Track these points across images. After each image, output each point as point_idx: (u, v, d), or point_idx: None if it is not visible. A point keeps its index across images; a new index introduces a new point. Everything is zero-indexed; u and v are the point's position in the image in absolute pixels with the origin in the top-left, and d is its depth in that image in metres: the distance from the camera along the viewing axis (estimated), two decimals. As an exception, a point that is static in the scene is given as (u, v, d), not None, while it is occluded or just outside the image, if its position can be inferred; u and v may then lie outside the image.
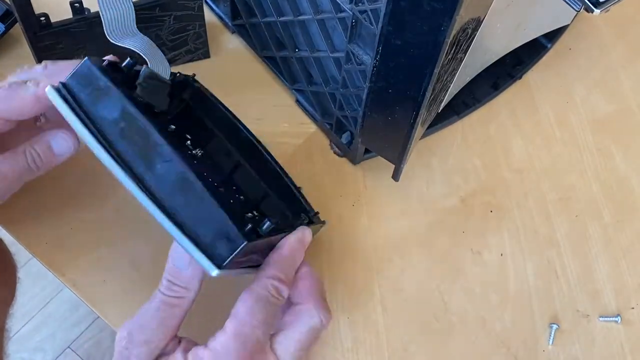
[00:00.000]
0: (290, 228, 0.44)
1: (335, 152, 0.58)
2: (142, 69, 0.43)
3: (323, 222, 0.51)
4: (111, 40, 0.49)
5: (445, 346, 0.50)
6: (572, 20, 0.63)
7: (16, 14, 0.49)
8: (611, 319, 0.52)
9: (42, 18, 0.51)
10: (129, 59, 0.43)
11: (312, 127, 0.59)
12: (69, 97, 0.40)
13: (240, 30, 0.61)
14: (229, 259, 0.37)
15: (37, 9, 0.50)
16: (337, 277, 0.52)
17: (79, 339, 1.21)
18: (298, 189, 0.50)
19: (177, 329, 0.41)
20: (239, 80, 0.60)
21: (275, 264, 0.42)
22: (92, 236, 0.52)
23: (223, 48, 0.62)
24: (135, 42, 0.50)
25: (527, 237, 0.55)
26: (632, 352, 0.51)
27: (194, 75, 0.49)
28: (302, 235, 0.44)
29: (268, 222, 0.40)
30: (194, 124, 0.49)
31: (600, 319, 0.52)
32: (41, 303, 1.22)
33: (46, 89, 0.40)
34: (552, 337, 0.51)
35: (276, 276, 0.42)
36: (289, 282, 0.42)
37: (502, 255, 0.54)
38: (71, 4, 0.51)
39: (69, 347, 1.20)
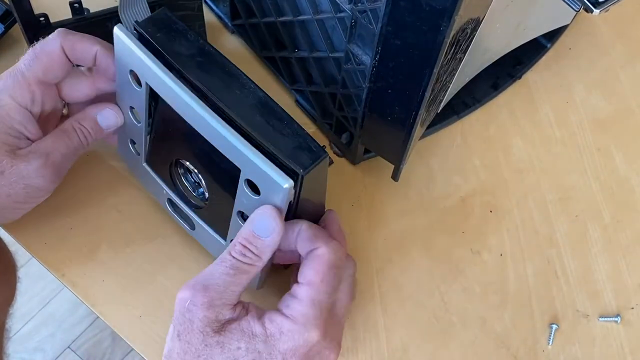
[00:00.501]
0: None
1: (335, 152, 0.58)
2: None
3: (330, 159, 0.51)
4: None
5: (445, 346, 0.50)
6: (572, 20, 0.63)
7: (16, 15, 0.49)
8: (611, 319, 0.52)
9: (42, 18, 0.51)
10: None
11: (312, 127, 0.59)
12: (143, 33, 0.43)
13: (240, 30, 0.61)
14: (312, 165, 0.39)
15: (37, 9, 0.50)
16: (337, 277, 0.52)
17: (78, 339, 1.21)
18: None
19: (239, 297, 0.41)
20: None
21: (322, 231, 0.43)
22: (92, 236, 0.52)
23: (222, 48, 0.62)
24: None
25: (527, 237, 0.55)
26: (632, 352, 0.51)
27: None
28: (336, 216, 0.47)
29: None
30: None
31: (600, 319, 0.52)
32: (41, 303, 1.22)
33: (114, 28, 0.43)
34: (552, 337, 0.51)
35: (330, 238, 0.43)
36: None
37: (501, 255, 0.54)
38: (71, 4, 0.51)
39: (68, 347, 1.20)
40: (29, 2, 0.49)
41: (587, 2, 0.43)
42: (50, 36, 0.46)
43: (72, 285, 0.50)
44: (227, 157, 0.40)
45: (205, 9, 0.60)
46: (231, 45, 0.62)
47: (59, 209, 0.52)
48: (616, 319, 0.52)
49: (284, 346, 0.39)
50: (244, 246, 0.40)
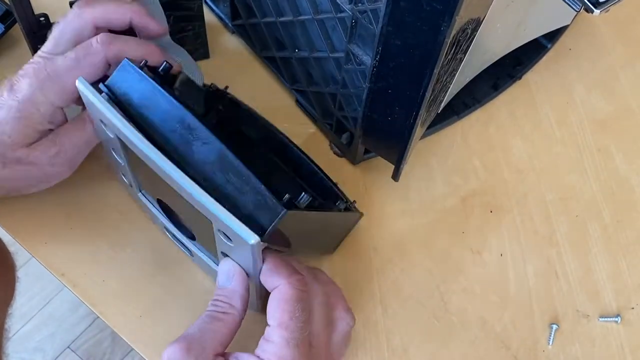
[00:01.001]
0: (328, 209, 0.45)
1: (335, 152, 0.58)
2: (180, 74, 0.45)
3: (360, 213, 0.51)
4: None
5: (445, 346, 0.50)
6: (572, 21, 0.63)
7: (16, 15, 0.49)
8: (611, 319, 0.52)
9: (42, 18, 0.51)
10: (165, 62, 0.44)
11: (312, 127, 0.59)
12: (110, 95, 0.41)
13: (240, 30, 0.61)
14: (271, 226, 0.37)
15: (37, 10, 0.50)
16: (337, 278, 0.52)
17: (78, 339, 1.21)
18: (335, 184, 0.50)
19: (223, 347, 0.41)
20: (238, 80, 0.60)
21: (282, 266, 0.42)
22: (92, 236, 0.52)
23: (223, 48, 0.62)
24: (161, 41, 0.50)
25: (527, 237, 0.55)
26: (632, 352, 0.51)
27: (227, 87, 0.50)
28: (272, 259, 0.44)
29: (305, 196, 0.40)
30: (230, 133, 0.51)
31: (600, 319, 0.52)
32: (41, 303, 1.22)
33: (77, 82, 0.42)
34: (552, 337, 0.51)
35: (292, 272, 0.42)
36: (301, 272, 0.43)
37: (502, 255, 0.54)
38: (71, 4, 0.51)
39: (68, 347, 1.20)
40: (29, 2, 0.49)
41: (587, 2, 0.43)
42: (93, 44, 0.45)
43: (72, 285, 0.50)
44: (197, 209, 0.39)
45: (205, 9, 0.60)
46: (231, 46, 0.62)
47: (59, 209, 0.52)
48: (616, 319, 0.52)
49: None
50: (215, 299, 0.42)
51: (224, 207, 0.37)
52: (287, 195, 0.38)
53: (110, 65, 0.46)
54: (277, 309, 0.41)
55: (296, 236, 0.44)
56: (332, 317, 0.45)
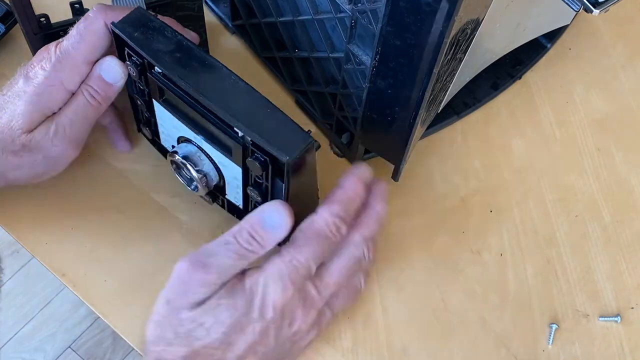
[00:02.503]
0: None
1: (335, 152, 0.58)
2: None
3: (317, 143, 0.51)
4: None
5: (445, 346, 0.51)
6: (572, 21, 0.63)
7: (16, 15, 0.49)
8: (611, 319, 0.52)
9: (42, 19, 0.51)
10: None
11: (312, 128, 0.59)
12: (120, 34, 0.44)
13: (240, 30, 0.61)
14: (299, 152, 0.40)
15: (37, 10, 0.50)
16: (337, 277, 0.52)
17: (79, 339, 1.21)
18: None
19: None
20: (239, 80, 0.60)
21: (339, 202, 0.43)
22: (92, 236, 0.52)
23: (223, 49, 0.62)
24: None
25: (527, 237, 0.55)
26: (632, 352, 0.51)
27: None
28: (361, 171, 0.46)
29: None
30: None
31: (600, 319, 0.52)
32: (41, 303, 1.23)
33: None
34: (551, 337, 0.51)
35: (338, 214, 0.43)
36: (349, 220, 0.44)
37: (501, 255, 0.54)
38: (71, 5, 0.51)
39: (69, 347, 1.21)
40: (30, 2, 0.49)
41: (586, 2, 0.43)
42: (90, 14, 0.46)
43: (73, 285, 0.50)
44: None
45: (205, 9, 0.60)
46: (231, 46, 0.62)
47: (59, 209, 0.52)
48: (616, 319, 0.52)
49: (259, 298, 0.40)
50: (251, 235, 0.41)
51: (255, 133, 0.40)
52: (309, 129, 0.42)
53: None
54: (299, 231, 0.42)
55: (297, 183, 0.44)
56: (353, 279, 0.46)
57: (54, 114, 0.46)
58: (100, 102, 0.47)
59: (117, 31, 0.44)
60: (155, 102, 0.47)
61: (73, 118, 0.46)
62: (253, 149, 0.41)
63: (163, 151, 0.53)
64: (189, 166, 0.46)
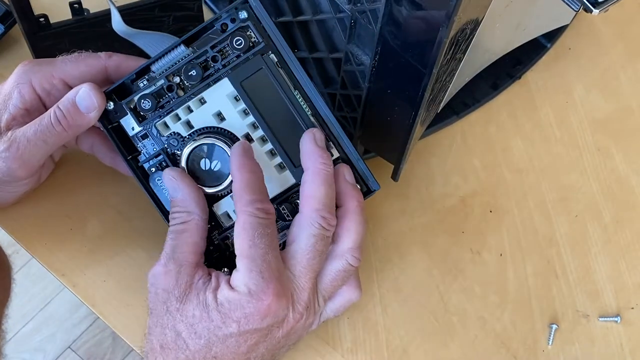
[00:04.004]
0: None
1: (334, 153, 0.58)
2: None
3: None
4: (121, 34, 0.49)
5: (445, 346, 0.50)
6: (572, 20, 0.63)
7: (15, 15, 0.49)
8: (611, 319, 0.52)
9: (42, 19, 0.51)
10: None
11: (311, 128, 0.59)
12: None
13: (240, 30, 0.61)
14: None
15: (37, 10, 0.50)
16: (337, 278, 0.52)
17: (79, 339, 1.21)
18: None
19: (197, 255, 0.42)
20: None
21: (244, 191, 0.41)
22: (92, 236, 0.52)
23: (223, 48, 0.62)
24: (145, 38, 0.50)
25: (526, 237, 0.55)
26: (632, 352, 0.51)
27: None
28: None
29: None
30: None
31: (600, 319, 0.52)
32: (41, 303, 1.23)
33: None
34: (551, 337, 0.51)
35: (253, 200, 0.41)
36: (266, 196, 0.42)
37: (501, 255, 0.54)
38: (71, 5, 0.51)
39: (69, 347, 1.20)
40: (29, 2, 0.49)
41: (586, 2, 0.43)
42: (100, 53, 0.46)
43: (72, 285, 0.50)
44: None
45: (205, 9, 0.60)
46: (231, 46, 0.62)
47: (58, 209, 0.52)
48: (616, 319, 0.52)
49: (235, 314, 0.40)
50: (171, 212, 0.43)
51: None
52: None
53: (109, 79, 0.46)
54: (237, 238, 0.41)
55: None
56: (334, 251, 0.44)
57: (14, 126, 0.44)
58: (66, 129, 0.43)
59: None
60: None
61: (31, 137, 0.43)
62: None
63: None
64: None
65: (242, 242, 0.41)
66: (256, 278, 0.40)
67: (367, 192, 0.47)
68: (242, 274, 0.40)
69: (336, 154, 0.46)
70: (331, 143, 0.46)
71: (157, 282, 0.42)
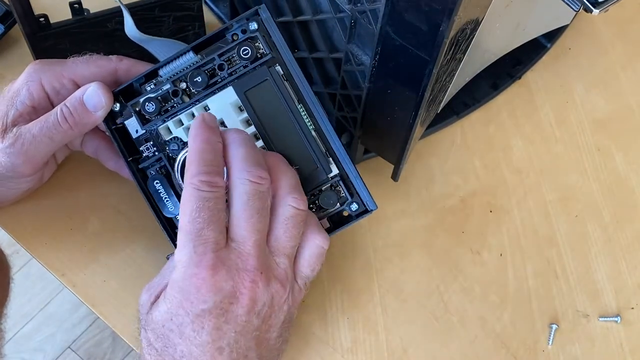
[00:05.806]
0: None
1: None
2: None
3: None
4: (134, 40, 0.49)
5: (445, 346, 0.50)
6: (572, 20, 0.63)
7: (15, 15, 0.49)
8: (611, 319, 0.52)
9: (42, 19, 0.51)
10: None
11: (311, 128, 0.59)
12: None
13: (240, 30, 0.61)
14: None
15: (37, 10, 0.50)
16: (337, 278, 0.52)
17: (79, 339, 1.21)
18: None
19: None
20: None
21: (192, 162, 0.39)
22: (92, 236, 0.52)
23: (223, 48, 0.62)
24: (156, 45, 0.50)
25: (526, 237, 0.55)
26: (632, 352, 0.51)
27: None
28: (205, 119, 0.41)
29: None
30: None
31: (600, 319, 0.52)
32: (41, 303, 1.23)
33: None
34: (551, 337, 0.51)
35: (198, 172, 0.39)
36: (217, 168, 0.39)
37: (501, 255, 0.54)
38: (71, 5, 0.51)
39: (69, 347, 1.20)
40: (29, 2, 0.49)
41: (586, 2, 0.43)
42: (112, 56, 0.46)
43: (72, 285, 0.50)
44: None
45: (205, 9, 0.60)
46: (231, 46, 0.62)
47: (58, 209, 0.52)
48: (616, 319, 0.52)
49: (177, 297, 0.39)
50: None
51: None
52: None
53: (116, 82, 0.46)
54: (180, 213, 0.39)
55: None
56: (273, 203, 0.41)
57: (20, 123, 0.44)
58: (72, 127, 0.44)
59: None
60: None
61: (36, 134, 0.43)
62: None
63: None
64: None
65: (182, 216, 0.39)
66: (189, 254, 0.38)
67: (364, 212, 0.46)
68: (177, 251, 0.38)
69: (335, 171, 0.46)
70: (331, 159, 0.45)
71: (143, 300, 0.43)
